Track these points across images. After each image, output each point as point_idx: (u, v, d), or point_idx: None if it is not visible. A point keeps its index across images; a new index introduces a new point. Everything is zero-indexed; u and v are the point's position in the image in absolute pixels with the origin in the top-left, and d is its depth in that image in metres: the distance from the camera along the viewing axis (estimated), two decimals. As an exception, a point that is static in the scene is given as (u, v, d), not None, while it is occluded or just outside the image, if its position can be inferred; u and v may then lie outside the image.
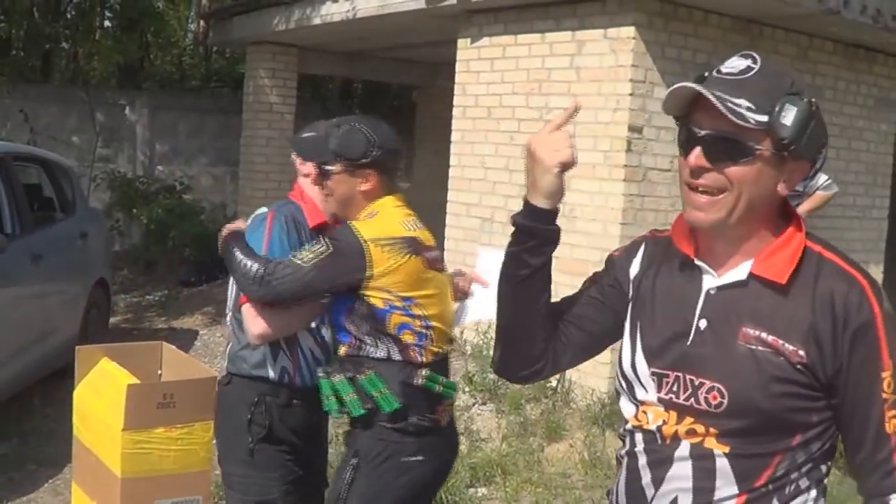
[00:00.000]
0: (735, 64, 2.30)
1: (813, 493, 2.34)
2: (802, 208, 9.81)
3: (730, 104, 2.21)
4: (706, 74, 2.33)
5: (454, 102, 10.70)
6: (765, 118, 2.21)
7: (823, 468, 2.35)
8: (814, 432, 2.29)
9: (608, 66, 9.05)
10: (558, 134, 2.42)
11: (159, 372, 3.27)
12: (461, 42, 10.64)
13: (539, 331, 2.59)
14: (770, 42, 10.17)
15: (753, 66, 2.27)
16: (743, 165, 2.24)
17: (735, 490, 2.30)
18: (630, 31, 8.89)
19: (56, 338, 8.51)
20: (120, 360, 3.09)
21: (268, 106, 14.80)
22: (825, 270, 2.29)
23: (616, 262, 2.64)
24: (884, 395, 2.23)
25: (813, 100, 2.24)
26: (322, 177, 3.87)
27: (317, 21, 12.77)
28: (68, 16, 16.89)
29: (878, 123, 11.65)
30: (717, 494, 2.32)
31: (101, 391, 3.03)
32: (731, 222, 2.30)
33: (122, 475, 2.87)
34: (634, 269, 2.56)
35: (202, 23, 18.14)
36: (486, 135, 10.24)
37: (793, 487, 2.30)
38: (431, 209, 15.23)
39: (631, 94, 8.87)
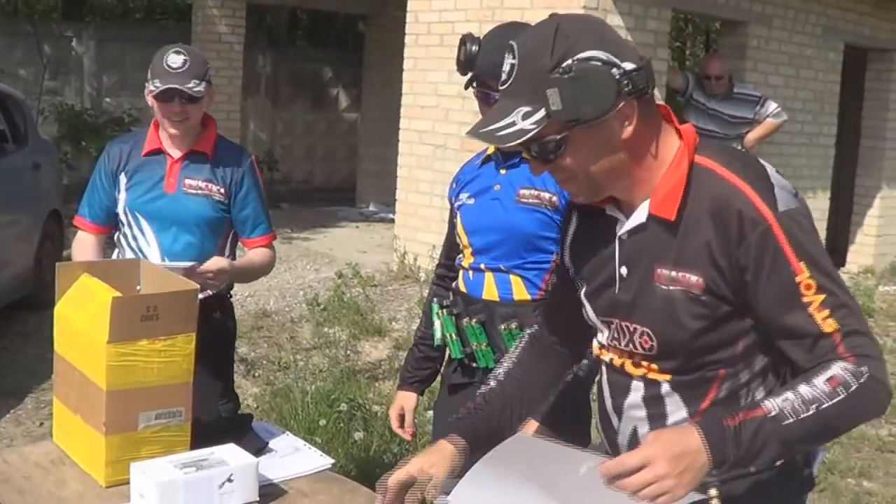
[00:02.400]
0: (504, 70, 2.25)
1: None
2: (752, 135, 9.94)
3: (503, 133, 2.18)
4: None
5: (406, 30, 10.70)
6: (541, 113, 2.16)
7: (774, 377, 2.35)
8: (751, 351, 2.30)
9: (562, -8, 9.10)
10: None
11: (138, 287, 3.29)
12: (414, -31, 10.63)
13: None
14: (721, -30, 10.24)
15: (513, 61, 2.21)
16: (562, 156, 2.23)
17: (685, 413, 2.35)
18: (584, -44, 8.92)
19: (10, 270, 8.45)
20: (100, 276, 3.10)
21: (216, 36, 14.73)
22: (710, 185, 2.24)
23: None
24: (805, 300, 2.18)
25: (573, 60, 2.14)
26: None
27: (266, -51, 12.70)
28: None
29: (825, 52, 11.78)
30: (671, 419, 2.37)
31: (84, 306, 3.04)
32: (601, 191, 2.32)
33: (107, 388, 2.89)
34: (571, 227, 2.58)
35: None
36: (439, 62, 10.24)
37: (744, 402, 2.30)
38: (381, 139, 15.30)
39: (584, 22, 8.89)
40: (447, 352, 3.69)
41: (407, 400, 3.90)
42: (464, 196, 3.58)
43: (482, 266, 3.51)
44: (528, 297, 3.47)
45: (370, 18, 17.21)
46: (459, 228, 3.54)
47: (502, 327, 3.44)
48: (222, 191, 4.17)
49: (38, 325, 8.36)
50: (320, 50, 19.05)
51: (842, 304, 2.20)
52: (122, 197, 4.16)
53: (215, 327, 4.01)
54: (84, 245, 4.21)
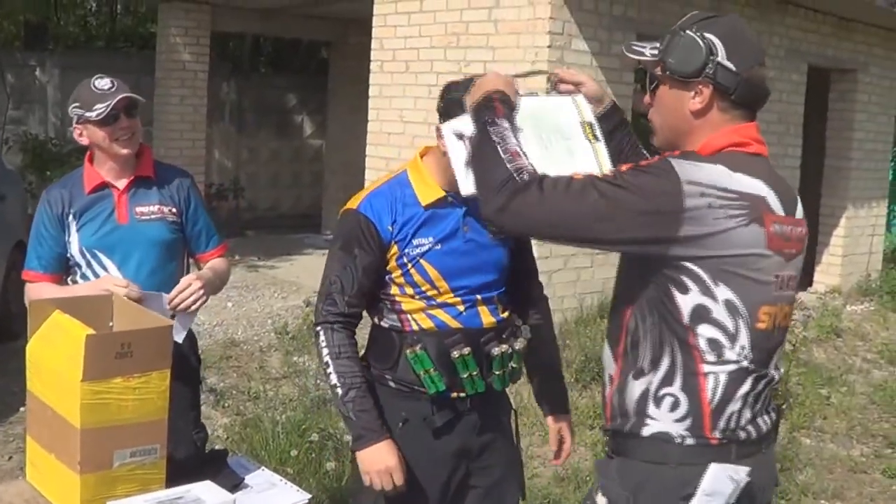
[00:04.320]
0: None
1: None
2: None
3: (636, 49, 2.85)
4: None
5: (371, 57, 10.69)
6: (657, 51, 2.78)
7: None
8: None
9: (526, 18, 9.11)
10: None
11: (111, 323, 3.27)
12: (378, -4, 10.63)
13: None
14: (684, -8, 10.28)
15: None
16: (652, 94, 2.84)
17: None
18: (548, -17, 8.94)
19: (-25, 302, 8.39)
20: (72, 313, 3.08)
21: (181, 65, 14.68)
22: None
23: None
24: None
25: (697, 31, 2.70)
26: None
27: (230, -23, 12.68)
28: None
29: (789, 73, 11.84)
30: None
31: (57, 344, 3.02)
32: (667, 143, 2.83)
33: (81, 426, 2.87)
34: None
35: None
36: (405, 88, 10.25)
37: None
38: (346, 165, 15.28)
39: (549, 47, 8.94)
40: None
41: (394, 447, 3.51)
42: (425, 241, 3.50)
43: (478, 298, 3.56)
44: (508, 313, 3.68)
45: (333, 45, 17.19)
46: (432, 274, 3.49)
47: (495, 351, 3.53)
48: (174, 210, 4.22)
49: (4, 357, 8.28)
50: (284, 77, 19.03)
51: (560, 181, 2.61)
52: (73, 239, 4.11)
53: (181, 357, 3.97)
54: (43, 289, 4.06)
